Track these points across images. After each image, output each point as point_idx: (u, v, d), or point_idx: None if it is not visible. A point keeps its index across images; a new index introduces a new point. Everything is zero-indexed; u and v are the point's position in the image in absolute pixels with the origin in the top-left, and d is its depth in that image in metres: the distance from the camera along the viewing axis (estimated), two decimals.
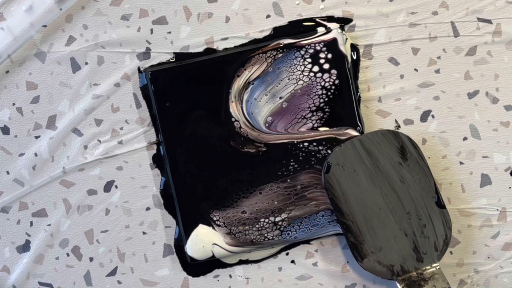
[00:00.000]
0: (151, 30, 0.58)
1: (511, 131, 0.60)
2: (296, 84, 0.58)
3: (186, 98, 0.57)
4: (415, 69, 0.59)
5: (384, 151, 0.56)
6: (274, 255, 0.60)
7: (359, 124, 0.58)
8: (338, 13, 0.59)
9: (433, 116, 0.60)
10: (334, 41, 0.57)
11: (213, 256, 0.59)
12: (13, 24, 0.57)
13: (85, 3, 0.58)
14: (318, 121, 0.58)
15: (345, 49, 0.57)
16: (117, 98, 0.59)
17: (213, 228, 0.58)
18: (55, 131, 0.59)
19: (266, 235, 0.59)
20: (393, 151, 0.56)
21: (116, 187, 0.59)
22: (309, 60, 0.57)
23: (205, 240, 0.58)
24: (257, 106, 0.58)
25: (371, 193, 0.56)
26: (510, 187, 0.60)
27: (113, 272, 0.60)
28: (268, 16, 0.59)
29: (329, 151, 0.58)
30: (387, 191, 0.56)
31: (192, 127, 0.57)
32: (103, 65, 0.58)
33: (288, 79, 0.57)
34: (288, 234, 0.59)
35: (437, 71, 0.59)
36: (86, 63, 0.58)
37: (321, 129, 0.58)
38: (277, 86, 0.58)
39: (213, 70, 0.57)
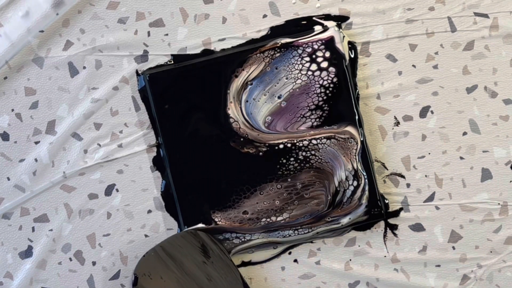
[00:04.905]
0: (148, 32, 0.58)
1: (510, 125, 0.60)
2: (294, 83, 0.57)
3: (185, 100, 0.57)
4: (413, 65, 0.59)
5: (186, 253, 0.56)
6: (277, 255, 0.60)
7: (359, 121, 0.58)
8: (334, 11, 0.59)
9: (432, 112, 0.59)
10: (331, 39, 0.57)
11: None
12: (10, 30, 0.57)
13: (81, 7, 0.58)
14: (317, 119, 0.58)
15: (343, 47, 0.57)
16: (116, 101, 0.59)
17: None
18: (55, 136, 0.59)
19: None
20: (195, 251, 0.56)
21: (117, 190, 0.59)
22: (307, 59, 0.57)
23: None
24: (256, 106, 0.58)
25: None
26: (511, 181, 0.60)
27: (116, 276, 0.60)
28: (264, 16, 0.59)
29: (329, 149, 0.58)
30: None
31: (191, 128, 0.57)
32: (101, 69, 0.58)
33: (287, 78, 0.57)
34: None
35: (435, 67, 0.59)
36: (84, 67, 0.58)
37: (321, 127, 0.58)
38: (275, 86, 0.58)
39: (211, 71, 0.57)
